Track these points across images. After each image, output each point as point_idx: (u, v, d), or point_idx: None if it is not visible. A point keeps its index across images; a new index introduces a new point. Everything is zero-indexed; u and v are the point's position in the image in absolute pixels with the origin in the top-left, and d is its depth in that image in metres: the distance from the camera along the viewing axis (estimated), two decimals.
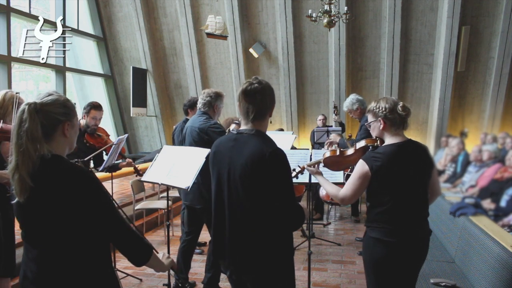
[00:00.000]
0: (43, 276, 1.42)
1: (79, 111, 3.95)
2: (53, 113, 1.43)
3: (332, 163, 2.48)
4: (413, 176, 2.06)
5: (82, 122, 3.80)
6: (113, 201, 1.50)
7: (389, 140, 2.13)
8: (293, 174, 2.46)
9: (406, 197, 2.06)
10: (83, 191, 1.39)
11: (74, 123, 1.51)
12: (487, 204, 3.78)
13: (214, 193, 1.91)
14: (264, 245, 1.77)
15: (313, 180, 3.15)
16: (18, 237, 2.74)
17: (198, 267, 3.92)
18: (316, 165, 2.45)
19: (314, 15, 6.46)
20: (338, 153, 2.44)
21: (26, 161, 1.35)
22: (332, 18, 6.34)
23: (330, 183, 2.30)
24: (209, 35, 8.46)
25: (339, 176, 3.20)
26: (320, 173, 2.39)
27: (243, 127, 1.87)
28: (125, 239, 1.47)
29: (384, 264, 2.09)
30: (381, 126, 2.11)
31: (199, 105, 3.38)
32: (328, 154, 2.46)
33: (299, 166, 2.56)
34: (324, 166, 2.47)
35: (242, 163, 1.73)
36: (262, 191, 1.71)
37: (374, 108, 2.12)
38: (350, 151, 2.44)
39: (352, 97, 4.38)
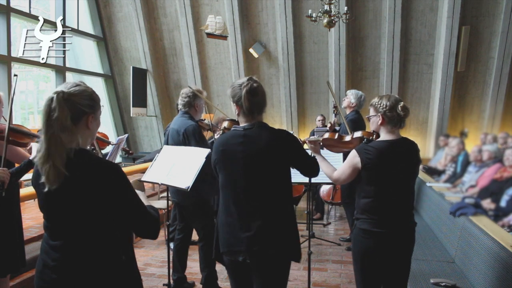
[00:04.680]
0: (65, 265, 1.43)
1: None
2: (79, 104, 1.42)
3: (329, 145, 2.65)
4: (400, 172, 2.16)
5: None
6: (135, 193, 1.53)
7: (384, 136, 2.24)
8: None
9: (393, 191, 2.17)
10: (112, 184, 1.41)
11: (98, 116, 1.52)
12: (487, 204, 3.78)
13: (226, 188, 2.03)
14: (283, 222, 1.99)
15: (313, 180, 3.17)
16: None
17: (197, 267, 3.92)
18: (316, 143, 2.57)
19: (314, 15, 6.45)
20: (336, 136, 2.60)
21: (59, 150, 1.36)
22: (332, 18, 6.34)
23: (327, 163, 2.44)
24: (209, 35, 8.46)
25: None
26: (319, 151, 2.52)
27: (242, 123, 2.02)
28: (145, 226, 1.52)
29: (372, 255, 2.18)
30: (380, 121, 2.21)
31: (179, 106, 3.38)
32: (327, 135, 2.61)
33: (301, 139, 2.67)
34: (322, 144, 2.62)
35: (264, 148, 1.94)
36: (288, 161, 2.01)
37: (376, 103, 2.23)
38: (347, 138, 2.60)
39: (362, 93, 4.54)
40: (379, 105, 2.21)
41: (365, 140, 2.42)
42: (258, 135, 1.96)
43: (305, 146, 2.47)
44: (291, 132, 2.11)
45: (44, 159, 1.36)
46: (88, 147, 1.57)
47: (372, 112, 2.27)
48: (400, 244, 2.19)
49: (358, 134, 2.54)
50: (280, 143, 1.97)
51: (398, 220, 2.18)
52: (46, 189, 1.38)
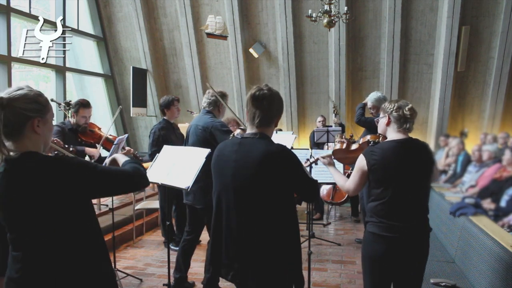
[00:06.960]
0: (27, 277, 1.36)
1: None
2: (21, 109, 1.35)
3: (340, 157, 2.65)
4: (411, 172, 2.10)
5: (72, 120, 3.90)
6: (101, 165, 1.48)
7: (390, 136, 2.22)
8: (307, 163, 2.66)
9: (402, 192, 2.10)
10: (68, 178, 1.33)
11: (47, 119, 1.44)
12: (487, 204, 3.78)
13: (216, 196, 1.93)
14: (274, 243, 1.80)
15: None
16: None
17: (198, 267, 3.92)
18: (328, 157, 2.57)
19: (314, 15, 6.45)
20: (344, 146, 2.60)
21: None
22: (332, 18, 6.34)
23: (340, 174, 2.44)
24: (209, 35, 8.46)
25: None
26: (333, 164, 2.53)
27: (248, 131, 1.91)
28: (125, 185, 1.49)
29: (382, 260, 2.12)
30: (386, 121, 2.22)
31: (204, 104, 3.42)
32: (337, 146, 2.63)
33: (313, 157, 2.71)
34: (334, 158, 2.62)
35: (253, 164, 1.78)
36: (278, 185, 1.79)
37: (386, 106, 2.27)
38: (354, 146, 2.62)
39: (381, 95, 4.43)
40: (387, 108, 2.24)
41: (371, 143, 2.42)
42: (253, 146, 1.81)
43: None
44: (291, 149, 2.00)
45: None
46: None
47: (381, 114, 2.29)
48: (412, 250, 2.11)
49: (364, 139, 2.57)
50: (272, 159, 1.77)
51: (410, 225, 2.09)
52: None
